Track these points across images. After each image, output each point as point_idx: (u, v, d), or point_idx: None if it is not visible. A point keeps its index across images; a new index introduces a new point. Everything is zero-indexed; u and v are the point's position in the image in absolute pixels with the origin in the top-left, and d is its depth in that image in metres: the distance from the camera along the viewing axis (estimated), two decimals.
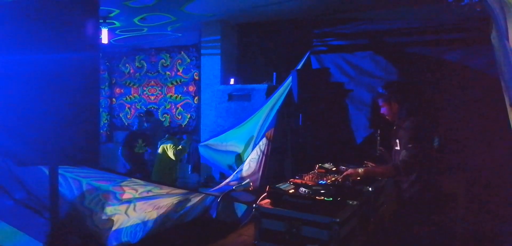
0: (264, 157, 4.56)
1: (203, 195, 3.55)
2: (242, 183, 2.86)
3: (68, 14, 2.08)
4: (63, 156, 2.13)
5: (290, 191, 2.33)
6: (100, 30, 6.09)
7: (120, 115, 9.00)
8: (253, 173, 4.39)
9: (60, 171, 2.60)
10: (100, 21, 5.96)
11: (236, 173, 4.68)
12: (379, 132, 4.15)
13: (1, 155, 2.38)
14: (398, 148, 2.85)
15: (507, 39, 2.41)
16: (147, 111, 7.52)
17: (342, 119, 5.13)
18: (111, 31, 6.73)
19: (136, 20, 6.22)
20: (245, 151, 5.32)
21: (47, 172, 2.29)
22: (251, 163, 4.57)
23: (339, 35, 5.67)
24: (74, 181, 3.10)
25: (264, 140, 4.72)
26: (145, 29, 6.86)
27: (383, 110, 2.96)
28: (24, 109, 2.07)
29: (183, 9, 5.67)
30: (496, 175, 3.92)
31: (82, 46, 2.11)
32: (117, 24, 6.46)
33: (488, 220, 3.75)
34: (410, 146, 2.65)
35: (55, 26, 2.05)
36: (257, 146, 4.77)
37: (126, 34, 7.26)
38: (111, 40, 7.42)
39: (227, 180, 4.65)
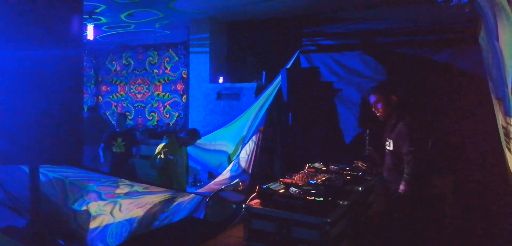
0: (253, 156, 4.52)
1: (191, 194, 3.49)
2: (231, 183, 2.81)
3: (51, 10, 2.01)
4: (45, 154, 2.06)
5: (280, 191, 2.29)
6: (84, 27, 5.94)
7: (107, 113, 8.83)
8: (242, 173, 4.34)
9: (42, 170, 2.51)
10: (85, 17, 5.82)
11: (225, 172, 4.63)
12: (368, 132, 4.16)
13: None
14: (390, 148, 2.84)
15: (497, 39, 2.42)
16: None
17: (332, 118, 5.13)
18: (97, 28, 6.58)
19: (123, 16, 6.10)
20: (234, 150, 5.27)
21: (27, 171, 2.21)
22: (240, 162, 4.52)
23: (329, 34, 5.67)
24: (57, 180, 3.00)
25: (253, 139, 4.67)
26: (132, 25, 6.74)
27: (378, 106, 2.94)
28: (5, 106, 1.99)
29: (171, 5, 5.58)
30: (484, 174, 3.96)
31: (65, 43, 2.05)
32: (104, 20, 6.33)
33: (476, 218, 3.79)
34: (410, 148, 2.70)
35: (37, 22, 1.98)
36: (246, 145, 4.73)
37: (112, 31, 7.11)
38: (97, 37, 7.26)
39: (216, 180, 4.60)
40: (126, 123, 6.58)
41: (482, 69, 4.00)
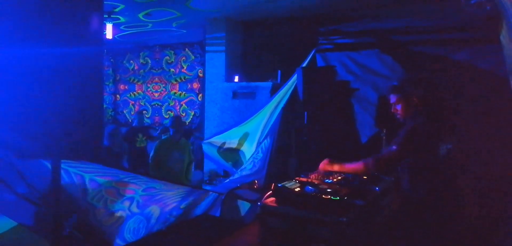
0: (268, 155, 4.52)
1: (207, 192, 3.52)
2: (247, 181, 2.82)
3: (73, 8, 2.07)
4: (66, 149, 2.12)
5: (296, 189, 2.29)
6: (104, 26, 6.08)
7: (124, 111, 8.99)
8: (257, 171, 4.35)
9: (63, 166, 2.58)
10: (104, 16, 5.95)
11: (240, 170, 4.65)
12: (385, 131, 4.10)
13: (4, 148, 2.35)
14: None
15: None
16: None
17: (348, 118, 5.07)
18: (115, 27, 6.71)
19: (140, 15, 6.20)
20: (249, 148, 5.28)
21: (49, 166, 2.27)
22: (255, 161, 4.54)
23: (345, 33, 5.61)
24: (77, 175, 3.07)
25: (268, 138, 4.68)
26: (150, 25, 6.84)
27: (398, 107, 2.84)
28: (27, 103, 2.06)
29: (188, 4, 5.64)
30: (506, 173, 3.86)
31: (86, 41, 2.10)
32: (122, 19, 6.44)
33: (495, 219, 3.70)
34: (394, 147, 2.62)
35: (60, 20, 2.04)
36: (262, 144, 4.74)
37: (130, 30, 7.24)
38: (115, 36, 7.40)
39: (231, 178, 4.62)
40: (145, 120, 7.04)
41: (503, 68, 3.90)
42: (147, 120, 8.32)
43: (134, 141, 6.34)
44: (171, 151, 4.85)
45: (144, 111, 7.86)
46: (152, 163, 4.86)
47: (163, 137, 5.09)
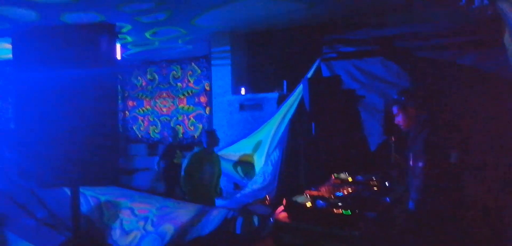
0: (278, 168, 4.56)
1: (220, 208, 3.58)
2: (258, 196, 2.88)
3: (89, 35, 2.14)
4: (84, 176, 2.17)
5: (308, 205, 2.34)
6: (117, 51, 6.21)
7: (134, 128, 9.11)
8: (268, 185, 4.39)
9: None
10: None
11: (251, 184, 4.69)
12: (393, 139, 4.12)
13: (24, 176, 2.44)
14: (411, 163, 2.79)
15: None
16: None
17: (355, 126, 5.10)
18: (123, 46, 6.84)
19: (147, 34, 6.32)
20: (258, 160, 5.32)
21: (68, 192, 2.35)
22: (265, 175, 4.57)
23: (349, 41, 5.65)
24: (93, 198, 3.16)
25: (277, 150, 4.72)
26: (156, 42, 6.96)
27: (398, 118, 2.88)
28: (45, 130, 2.12)
29: (193, 22, 5.75)
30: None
31: (101, 67, 2.16)
32: (129, 39, 6.57)
33: (499, 223, 3.70)
34: (423, 165, 2.61)
35: (76, 46, 2.10)
36: (271, 156, 4.77)
37: (137, 48, 7.37)
38: (123, 55, 7.54)
39: (242, 192, 4.66)
40: (179, 136, 7.15)
41: (507, 70, 3.92)
42: (156, 135, 8.42)
43: (172, 158, 6.34)
44: (203, 164, 4.88)
45: (179, 126, 7.86)
46: (185, 173, 4.83)
47: (196, 149, 5.11)
